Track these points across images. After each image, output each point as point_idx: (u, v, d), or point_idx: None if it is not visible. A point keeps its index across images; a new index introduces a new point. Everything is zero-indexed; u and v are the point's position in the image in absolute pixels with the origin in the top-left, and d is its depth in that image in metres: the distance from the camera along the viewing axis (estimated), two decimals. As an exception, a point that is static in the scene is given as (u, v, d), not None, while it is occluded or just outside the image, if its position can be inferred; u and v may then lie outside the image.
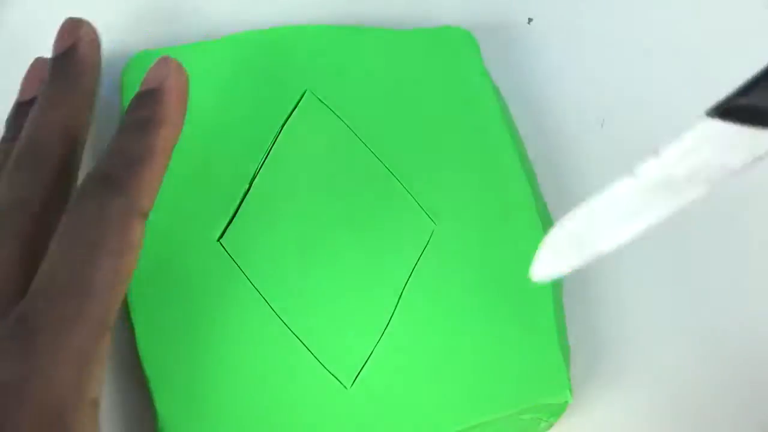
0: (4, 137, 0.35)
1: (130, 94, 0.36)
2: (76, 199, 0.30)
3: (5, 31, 0.41)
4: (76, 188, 0.31)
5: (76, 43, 0.35)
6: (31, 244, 0.31)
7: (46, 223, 0.31)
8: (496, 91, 0.39)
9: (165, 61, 0.32)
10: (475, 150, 0.37)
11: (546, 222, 0.37)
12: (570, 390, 0.34)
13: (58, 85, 0.34)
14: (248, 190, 0.36)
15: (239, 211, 0.36)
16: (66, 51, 0.35)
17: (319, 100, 0.38)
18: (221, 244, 0.35)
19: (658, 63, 0.41)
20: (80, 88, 0.34)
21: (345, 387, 0.34)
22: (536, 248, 0.36)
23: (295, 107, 0.37)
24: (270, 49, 0.38)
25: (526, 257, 0.36)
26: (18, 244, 0.31)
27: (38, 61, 0.37)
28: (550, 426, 0.36)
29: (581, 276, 0.38)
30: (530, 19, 0.42)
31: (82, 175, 0.32)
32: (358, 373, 0.34)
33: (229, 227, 0.35)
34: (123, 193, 0.30)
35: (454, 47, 0.39)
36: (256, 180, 0.36)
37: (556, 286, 0.36)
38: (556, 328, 0.35)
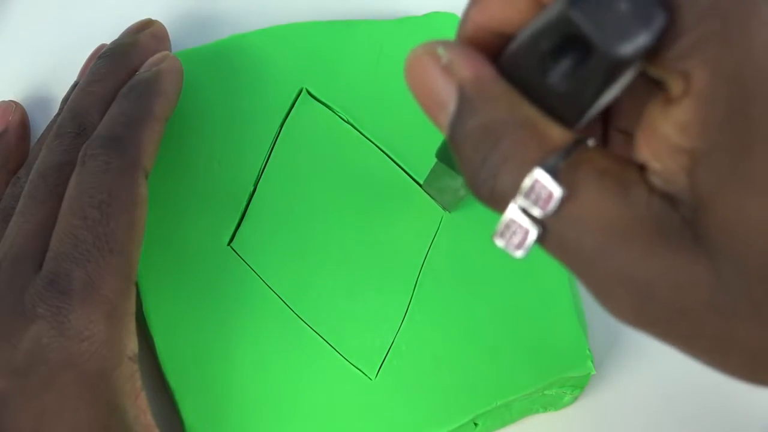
0: (56, 114, 0.37)
1: None
2: (82, 159, 0.32)
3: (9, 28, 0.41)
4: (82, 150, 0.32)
5: (138, 35, 0.37)
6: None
7: None
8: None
9: (161, 54, 0.35)
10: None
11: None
12: (592, 361, 0.34)
13: (104, 62, 0.36)
14: (253, 192, 0.36)
15: (246, 213, 0.36)
16: (125, 39, 0.37)
17: (314, 97, 0.38)
18: (232, 249, 0.35)
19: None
20: (125, 66, 0.35)
21: (370, 378, 0.34)
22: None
23: (292, 106, 0.37)
24: (261, 51, 0.38)
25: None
26: (51, 205, 0.31)
27: (101, 47, 0.38)
28: (575, 399, 0.36)
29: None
30: None
31: None
32: (382, 363, 0.34)
33: (238, 231, 0.35)
34: (125, 150, 0.32)
35: (444, 32, 0.39)
36: (260, 182, 0.36)
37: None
38: (573, 301, 0.35)
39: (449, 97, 0.24)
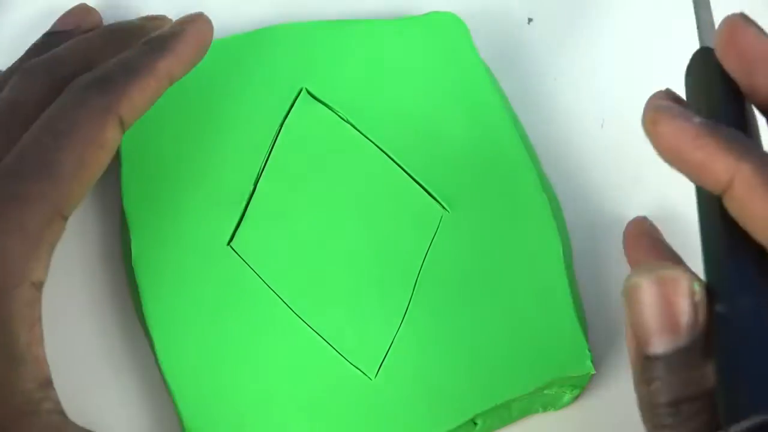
0: (20, 58, 0.37)
1: None
2: (63, 92, 0.31)
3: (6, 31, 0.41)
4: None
5: (146, 21, 0.37)
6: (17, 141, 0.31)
7: None
8: (489, 71, 0.39)
9: (197, 13, 0.34)
10: (475, 130, 0.38)
11: (552, 199, 0.37)
12: (592, 361, 0.34)
13: (103, 31, 0.36)
14: (253, 191, 0.36)
15: (246, 213, 0.36)
16: (134, 20, 0.37)
17: (314, 97, 0.38)
18: (232, 248, 0.35)
19: (658, 62, 0.41)
20: (121, 41, 0.35)
21: (369, 378, 0.34)
22: (544, 225, 0.36)
23: (292, 106, 0.37)
24: (261, 51, 0.38)
25: (535, 234, 0.36)
26: (5, 139, 0.31)
27: (80, 6, 0.38)
28: (574, 398, 0.36)
29: (595, 250, 0.38)
30: (530, 20, 0.42)
31: None
32: (381, 363, 0.34)
33: (238, 230, 0.35)
34: (106, 93, 0.31)
35: (444, 31, 0.39)
36: (260, 181, 0.36)
37: (568, 260, 0.36)
38: (572, 301, 0.35)
39: (683, 330, 0.25)
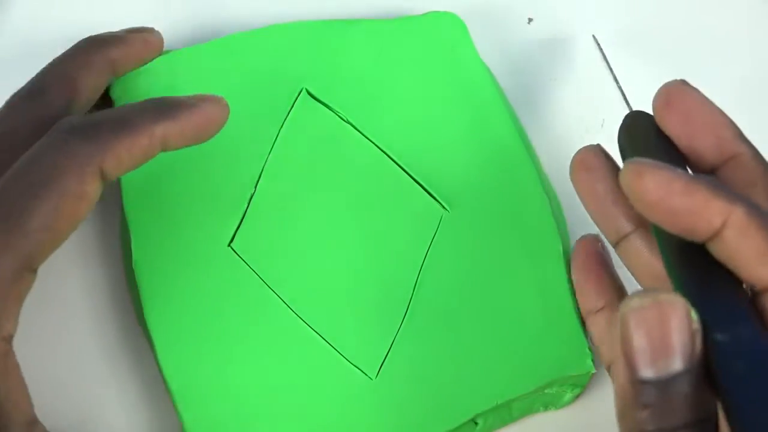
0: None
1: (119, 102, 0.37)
2: (47, 134, 0.30)
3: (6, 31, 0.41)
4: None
5: (128, 33, 0.36)
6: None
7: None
8: (489, 71, 0.39)
9: (218, 97, 0.32)
10: (475, 130, 0.38)
11: (552, 199, 0.37)
12: (592, 360, 0.34)
13: (82, 44, 0.35)
14: (254, 192, 0.36)
15: (247, 214, 0.36)
16: (113, 32, 0.36)
17: (314, 97, 0.38)
18: (232, 249, 0.35)
19: (658, 62, 0.41)
20: (101, 53, 0.34)
21: (370, 378, 0.34)
22: (545, 224, 0.36)
23: (292, 106, 0.37)
24: (260, 50, 0.38)
25: (536, 234, 0.36)
26: None
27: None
28: (575, 397, 0.36)
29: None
30: (530, 20, 0.42)
31: None
32: (382, 363, 0.34)
33: (239, 231, 0.35)
34: (93, 141, 0.29)
35: (444, 31, 0.39)
36: (260, 182, 0.36)
37: (568, 259, 0.36)
38: (573, 301, 0.35)
39: (678, 355, 0.25)
